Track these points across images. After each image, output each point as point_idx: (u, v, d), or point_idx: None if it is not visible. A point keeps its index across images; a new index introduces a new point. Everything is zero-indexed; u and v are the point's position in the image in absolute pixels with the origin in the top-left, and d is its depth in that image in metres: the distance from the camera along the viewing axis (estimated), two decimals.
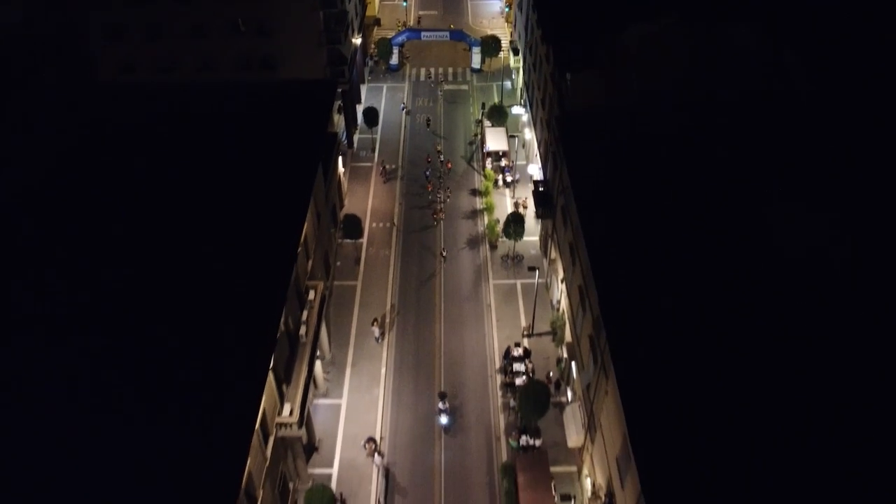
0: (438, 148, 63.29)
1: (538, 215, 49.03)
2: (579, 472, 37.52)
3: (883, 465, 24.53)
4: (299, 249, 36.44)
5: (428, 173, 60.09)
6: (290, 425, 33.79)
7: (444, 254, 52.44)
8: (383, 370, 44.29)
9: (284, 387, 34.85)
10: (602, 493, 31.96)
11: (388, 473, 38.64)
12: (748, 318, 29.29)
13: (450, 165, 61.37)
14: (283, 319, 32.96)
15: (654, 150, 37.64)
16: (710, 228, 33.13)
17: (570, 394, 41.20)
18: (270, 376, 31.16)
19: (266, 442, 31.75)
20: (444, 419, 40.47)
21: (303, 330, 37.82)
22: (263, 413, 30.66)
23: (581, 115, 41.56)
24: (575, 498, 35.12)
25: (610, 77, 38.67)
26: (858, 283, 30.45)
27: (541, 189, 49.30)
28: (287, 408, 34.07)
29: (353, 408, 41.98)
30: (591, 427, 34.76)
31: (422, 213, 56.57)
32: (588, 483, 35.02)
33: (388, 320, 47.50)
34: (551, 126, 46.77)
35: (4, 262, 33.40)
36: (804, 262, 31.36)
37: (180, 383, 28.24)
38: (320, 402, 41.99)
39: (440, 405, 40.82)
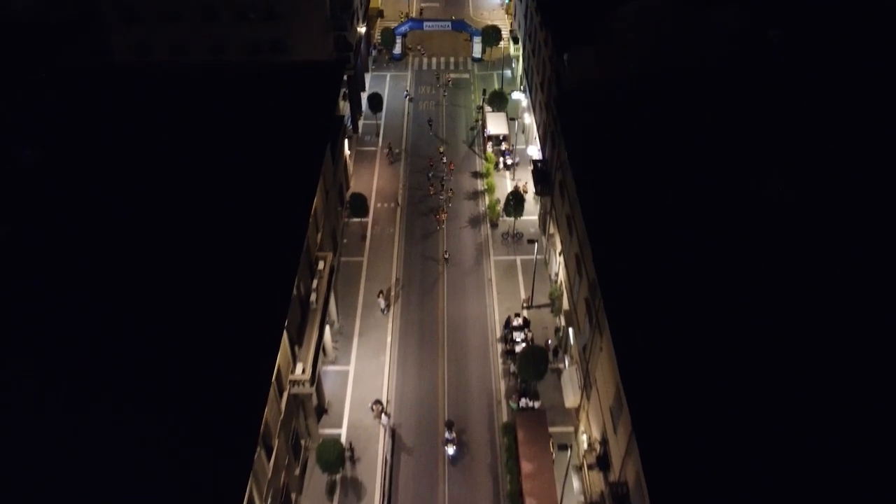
0: (441, 150, 63.06)
1: (537, 192, 50.96)
2: (576, 430, 39.47)
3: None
4: (310, 221, 38.41)
5: (431, 175, 60.00)
6: (303, 383, 35.78)
7: (447, 255, 52.41)
8: (389, 339, 46.29)
9: (297, 348, 36.84)
10: (597, 445, 33.93)
11: (394, 434, 40.65)
12: (737, 277, 31.23)
13: (452, 167, 61.12)
14: (295, 285, 34.89)
15: (648, 125, 39.60)
16: (703, 197, 35.07)
17: (567, 360, 43.20)
18: (284, 336, 33.11)
19: (280, 396, 33.73)
20: (450, 450, 39.10)
21: (313, 297, 39.83)
22: (278, 370, 32.60)
23: (578, 93, 43.51)
24: (571, 448, 37.05)
25: (605, 55, 40.64)
26: (857, 250, 32.41)
27: (540, 168, 51.28)
28: (300, 367, 36.06)
29: (360, 374, 43.97)
30: (586, 386, 36.74)
31: (424, 195, 58.47)
32: (584, 438, 37.00)
33: (393, 293, 49.49)
34: (550, 107, 48.73)
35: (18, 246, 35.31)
36: (793, 224, 33.33)
37: (200, 340, 30.11)
38: (329, 369, 43.96)
39: (447, 434, 39.70)
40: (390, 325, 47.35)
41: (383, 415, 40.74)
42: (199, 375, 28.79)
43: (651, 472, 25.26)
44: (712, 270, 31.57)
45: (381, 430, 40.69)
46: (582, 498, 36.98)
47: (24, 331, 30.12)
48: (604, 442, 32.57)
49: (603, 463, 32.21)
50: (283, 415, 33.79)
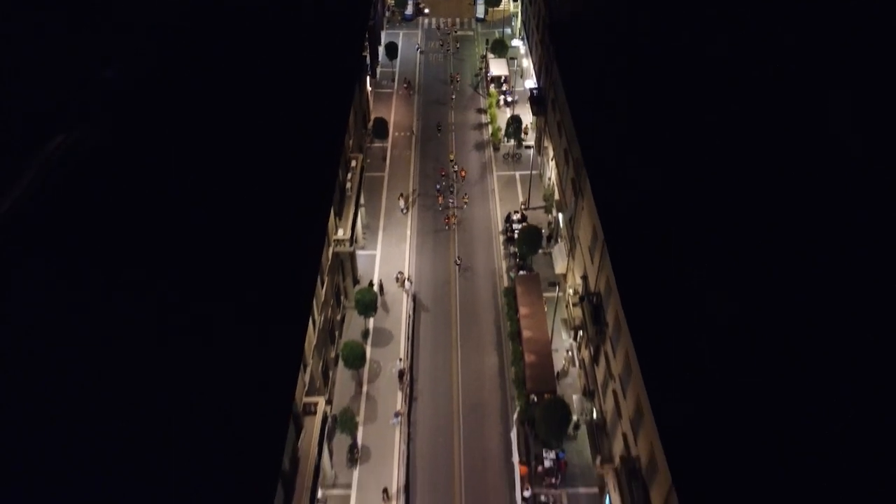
0: (451, 157, 62.94)
1: (534, 113, 59.61)
2: (563, 289, 48.16)
3: None
4: (347, 128, 46.81)
5: (439, 187, 59.28)
6: (343, 242, 44.56)
7: (460, 261, 52.21)
8: (408, 232, 55.09)
9: (338, 220, 45.54)
10: (579, 288, 42.58)
11: (415, 297, 49.42)
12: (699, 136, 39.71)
13: (464, 174, 60.79)
14: (337, 174, 43.20)
15: (631, 46, 48.25)
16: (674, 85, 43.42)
17: (556, 245, 51.90)
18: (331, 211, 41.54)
19: (328, 248, 42.37)
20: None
21: (349, 185, 48.57)
22: (327, 231, 41.11)
23: (567, 23, 52.30)
24: (559, 285, 45.89)
25: None
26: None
27: (535, 95, 59.98)
28: (340, 231, 44.84)
29: (385, 256, 52.74)
30: (571, 249, 45.44)
31: (435, 129, 67.18)
32: (570, 290, 45.71)
33: (410, 199, 58.24)
34: (544, 40, 57.43)
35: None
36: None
37: (276, 209, 37.01)
38: (360, 253, 52.62)
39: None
40: (409, 222, 56.14)
41: (406, 282, 49.53)
42: (277, 228, 35.72)
43: (620, 276, 33.36)
44: (686, 136, 39.84)
45: (404, 295, 49.44)
46: (570, 333, 45.71)
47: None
48: (584, 277, 41.25)
49: (584, 296, 40.83)
50: (329, 262, 42.50)
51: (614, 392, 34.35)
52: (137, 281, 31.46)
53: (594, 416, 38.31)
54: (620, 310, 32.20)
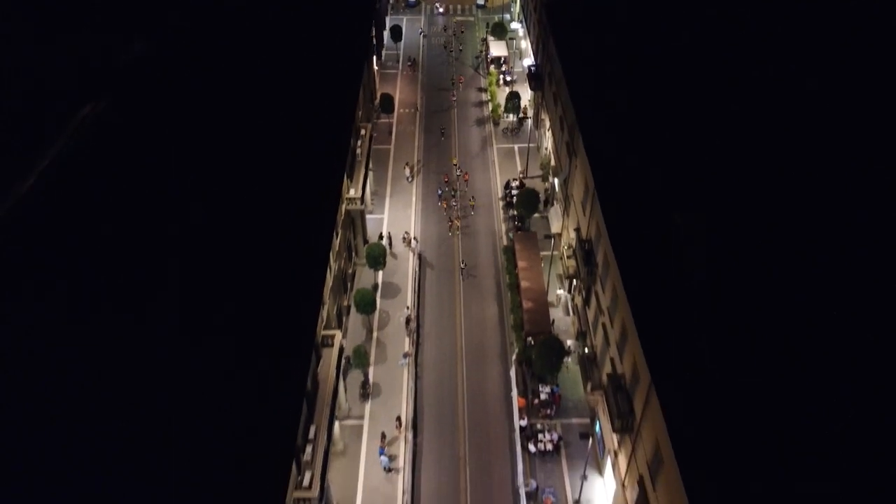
0: (454, 161, 62.49)
1: (531, 88, 63.18)
2: (558, 247, 51.74)
3: None
4: (357, 100, 50.41)
5: (440, 192, 58.94)
6: (355, 200, 48.18)
7: (464, 264, 52.04)
8: (413, 198, 58.71)
9: (349, 181, 49.12)
10: (573, 241, 46.13)
11: (420, 256, 53.03)
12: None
13: (467, 177, 60.57)
14: (349, 141, 46.82)
15: (622, 19, 51.84)
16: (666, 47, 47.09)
17: (553, 207, 55.49)
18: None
19: (341, 206, 45.93)
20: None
21: (359, 151, 52.16)
22: (339, 191, 44.71)
23: (563, 1, 55.92)
24: (554, 242, 49.53)
25: None
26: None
27: (533, 71, 63.56)
28: (352, 191, 48.44)
29: (392, 220, 56.33)
30: (566, 208, 49.03)
31: (439, 104, 70.78)
32: (564, 246, 49.29)
33: (415, 169, 61.83)
34: (541, 19, 61.02)
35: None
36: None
37: (295, 171, 40.89)
38: (369, 217, 56.17)
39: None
40: (414, 189, 59.76)
41: (413, 241, 53.16)
42: (298, 187, 39.35)
43: (609, 219, 36.92)
44: (671, 97, 43.47)
45: (411, 254, 53.03)
46: (564, 286, 49.29)
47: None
48: (577, 230, 44.82)
49: (578, 247, 44.38)
50: (342, 217, 46.08)
51: (603, 325, 37.95)
52: (182, 226, 35.26)
53: (586, 351, 41.93)
54: (609, 249, 35.82)
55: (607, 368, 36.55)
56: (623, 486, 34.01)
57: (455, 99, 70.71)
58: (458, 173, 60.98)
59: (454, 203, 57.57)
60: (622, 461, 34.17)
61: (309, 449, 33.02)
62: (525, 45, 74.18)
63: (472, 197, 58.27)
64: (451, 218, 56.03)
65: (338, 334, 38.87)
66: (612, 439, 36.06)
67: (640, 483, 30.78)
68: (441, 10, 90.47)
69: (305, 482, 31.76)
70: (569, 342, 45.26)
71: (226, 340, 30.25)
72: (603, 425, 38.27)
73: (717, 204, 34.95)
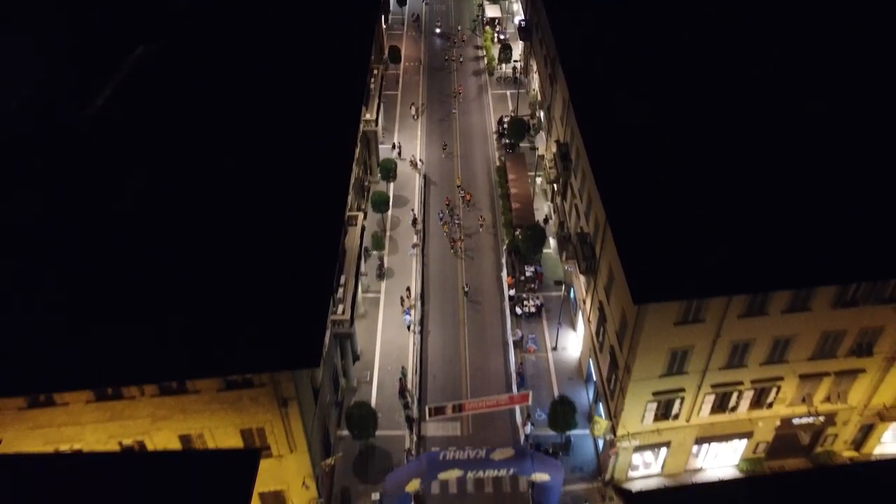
0: (458, 183, 61.21)
1: (521, 38, 71.93)
2: (542, 166, 60.57)
3: None
4: (371, 47, 59.11)
5: (441, 214, 57.73)
6: (371, 122, 57.10)
7: (467, 288, 51.66)
8: (419, 132, 67.66)
9: (365, 108, 57.97)
10: (554, 154, 54.87)
11: (425, 176, 61.95)
12: None
13: (469, 197, 59.53)
14: (366, 77, 55.39)
15: None
16: None
17: (538, 134, 64.38)
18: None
19: (359, 128, 54.69)
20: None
21: (372, 85, 61.07)
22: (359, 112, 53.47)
23: None
24: (538, 160, 58.34)
25: None
26: None
27: (524, 26, 72.42)
28: (368, 114, 57.35)
29: (401, 147, 65.33)
30: (549, 129, 57.91)
31: (440, 60, 79.68)
32: (547, 160, 58.12)
33: (419, 110, 70.77)
34: None
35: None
36: None
37: (322, 100, 49.69)
38: (381, 147, 65.03)
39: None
40: (419, 125, 68.71)
41: (419, 162, 62.11)
42: (326, 109, 47.74)
43: (583, 125, 45.33)
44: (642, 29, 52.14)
45: (417, 174, 61.94)
46: (546, 195, 58.16)
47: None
48: (557, 141, 53.63)
49: (557, 151, 53.13)
50: (360, 132, 54.89)
51: (575, 206, 46.85)
52: (237, 139, 43.93)
53: (563, 233, 50.86)
54: (581, 144, 44.62)
55: (575, 228, 45.46)
56: (588, 321, 42.99)
57: (454, 57, 79.41)
58: (461, 194, 59.83)
59: (456, 219, 57.23)
60: (588, 303, 43.12)
61: (341, 291, 41.96)
62: (517, 6, 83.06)
63: (482, 216, 57.72)
64: (454, 238, 55.50)
65: (360, 215, 47.81)
66: (581, 290, 45.01)
67: (600, 308, 39.69)
68: None
69: (339, 311, 40.70)
70: (551, 240, 54.19)
71: (277, 213, 38.06)
72: (576, 288, 47.23)
73: (674, 99, 43.25)
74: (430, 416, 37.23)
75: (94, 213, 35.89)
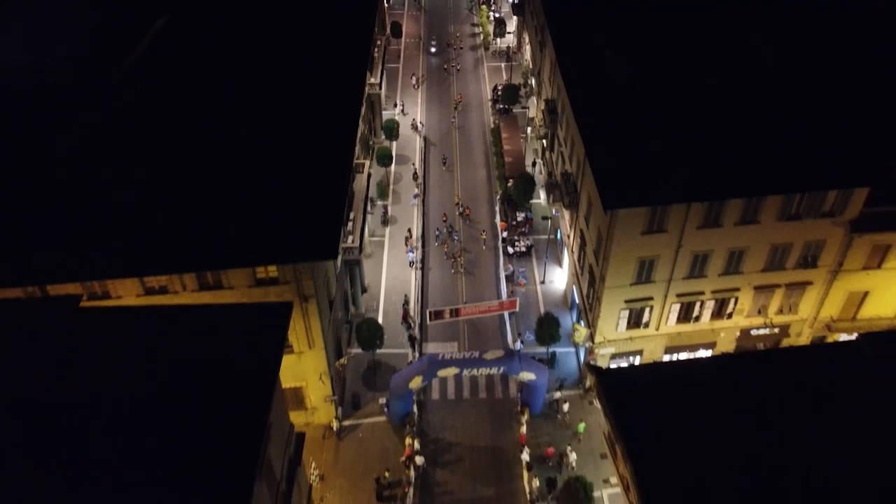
0: (457, 200, 60.09)
1: (514, 13, 77.01)
2: (534, 126, 65.56)
3: None
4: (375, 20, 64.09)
5: (438, 232, 56.49)
6: (374, 86, 62.10)
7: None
8: (419, 99, 72.74)
9: (370, 74, 62.90)
10: (543, 113, 59.82)
11: (425, 139, 67.00)
12: None
13: (468, 212, 58.51)
14: (369, 48, 60.37)
15: None
16: None
17: (530, 99, 69.32)
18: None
19: (363, 92, 59.65)
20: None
21: (376, 54, 66.08)
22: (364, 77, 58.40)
23: None
24: (529, 121, 63.33)
25: None
26: None
27: (516, 2, 77.47)
28: (372, 79, 62.35)
29: (404, 105, 70.39)
30: (539, 92, 62.88)
31: (440, 36, 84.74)
32: (537, 118, 63.06)
33: (420, 79, 75.78)
34: None
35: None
36: None
37: (326, 68, 54.84)
38: (384, 113, 69.99)
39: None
40: (420, 93, 73.77)
41: (419, 125, 67.17)
42: (334, 75, 52.84)
43: (567, 81, 50.31)
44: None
45: (417, 136, 66.97)
46: (535, 148, 63.14)
47: None
48: (546, 99, 58.55)
49: (545, 108, 58.00)
50: (365, 94, 59.85)
51: (560, 153, 51.83)
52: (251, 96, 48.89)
53: (551, 181, 55.86)
54: (566, 97, 49.57)
55: (560, 171, 50.47)
56: (572, 251, 47.98)
57: (452, 31, 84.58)
58: (459, 211, 58.63)
59: (456, 236, 56.26)
60: (571, 236, 48.12)
61: (350, 224, 46.96)
62: None
63: (484, 231, 56.71)
64: (455, 256, 54.35)
65: (366, 163, 52.83)
66: (566, 227, 50.02)
67: (581, 235, 44.67)
68: None
69: (349, 240, 45.73)
70: (541, 192, 59.19)
71: (295, 156, 42.77)
72: (561, 227, 52.25)
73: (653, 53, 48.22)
74: (430, 319, 42.26)
75: (137, 151, 40.88)
